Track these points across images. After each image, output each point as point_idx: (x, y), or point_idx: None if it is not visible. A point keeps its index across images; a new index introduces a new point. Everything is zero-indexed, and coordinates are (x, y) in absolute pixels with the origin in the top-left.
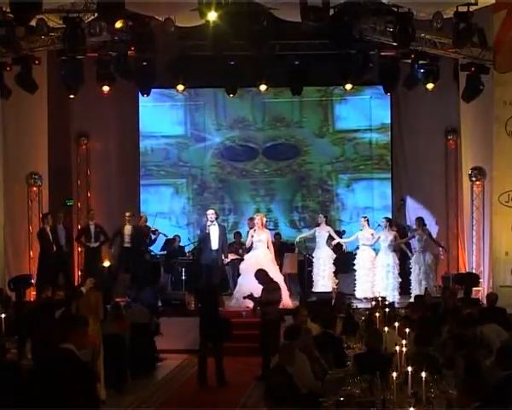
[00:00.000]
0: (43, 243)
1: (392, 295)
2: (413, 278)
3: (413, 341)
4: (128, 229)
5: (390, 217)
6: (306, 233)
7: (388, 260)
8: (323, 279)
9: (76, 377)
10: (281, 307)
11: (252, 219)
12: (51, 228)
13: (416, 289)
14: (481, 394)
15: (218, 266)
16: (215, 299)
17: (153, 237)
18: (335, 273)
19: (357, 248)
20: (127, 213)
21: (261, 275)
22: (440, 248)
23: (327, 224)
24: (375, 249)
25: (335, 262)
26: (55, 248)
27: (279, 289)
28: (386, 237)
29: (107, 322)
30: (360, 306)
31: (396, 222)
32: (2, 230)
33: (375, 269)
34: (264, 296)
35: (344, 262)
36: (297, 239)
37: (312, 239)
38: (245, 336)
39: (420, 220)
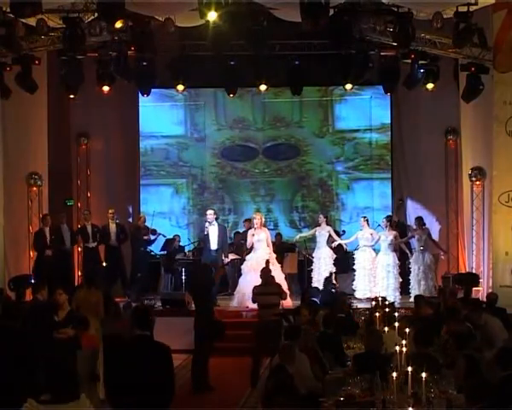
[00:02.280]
0: (38, 244)
1: (393, 296)
2: (412, 277)
3: (412, 340)
4: (113, 227)
5: (390, 216)
6: (306, 233)
7: (388, 260)
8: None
9: (157, 359)
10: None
11: (247, 220)
12: (51, 229)
13: (415, 289)
14: (483, 395)
15: (218, 266)
16: (206, 297)
17: (152, 237)
18: (335, 273)
19: (357, 248)
20: (110, 211)
21: (262, 273)
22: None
23: (327, 224)
24: (375, 249)
25: (335, 262)
26: (49, 251)
27: (274, 294)
28: (386, 236)
29: (107, 322)
30: (360, 306)
31: (396, 221)
32: (2, 230)
33: (375, 269)
34: (253, 298)
35: (344, 262)
36: (296, 237)
37: (312, 239)
38: (245, 336)
39: (419, 220)
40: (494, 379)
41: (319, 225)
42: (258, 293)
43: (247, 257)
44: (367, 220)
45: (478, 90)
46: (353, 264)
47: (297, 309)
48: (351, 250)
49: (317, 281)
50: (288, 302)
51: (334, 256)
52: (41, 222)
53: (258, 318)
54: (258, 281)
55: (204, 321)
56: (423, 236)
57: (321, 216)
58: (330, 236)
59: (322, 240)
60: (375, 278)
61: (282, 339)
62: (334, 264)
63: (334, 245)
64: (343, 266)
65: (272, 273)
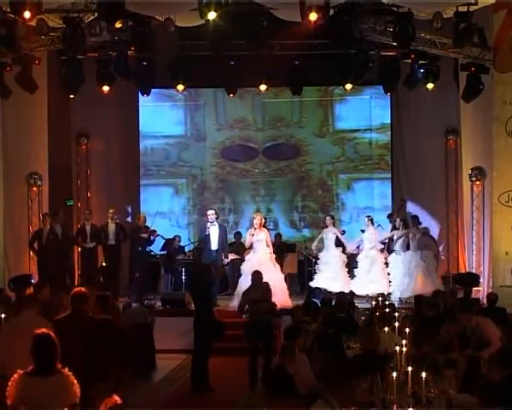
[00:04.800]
0: (38, 243)
1: (399, 295)
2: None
3: (410, 341)
4: (112, 227)
5: (409, 217)
6: (317, 238)
7: (406, 259)
8: (340, 277)
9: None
10: (280, 306)
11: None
12: (50, 228)
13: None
14: (484, 394)
15: (217, 266)
16: (205, 297)
17: (151, 238)
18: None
19: (359, 247)
20: (110, 211)
21: (253, 276)
22: (440, 248)
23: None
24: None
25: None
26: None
27: (266, 290)
28: (415, 235)
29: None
30: (360, 306)
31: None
32: (2, 230)
33: (378, 268)
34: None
35: (347, 262)
36: (313, 247)
37: (311, 239)
38: (244, 336)
39: (414, 219)
40: (496, 378)
41: (326, 226)
42: (246, 291)
43: (247, 257)
44: (371, 220)
45: (478, 90)
46: (356, 264)
47: (293, 309)
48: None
49: (328, 284)
50: (287, 302)
51: (344, 256)
52: (42, 222)
53: (247, 316)
54: None
55: (203, 321)
56: (417, 234)
57: (328, 218)
58: (337, 238)
59: (331, 242)
60: (379, 277)
61: (273, 338)
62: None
63: (348, 252)
64: (347, 265)
65: (271, 274)
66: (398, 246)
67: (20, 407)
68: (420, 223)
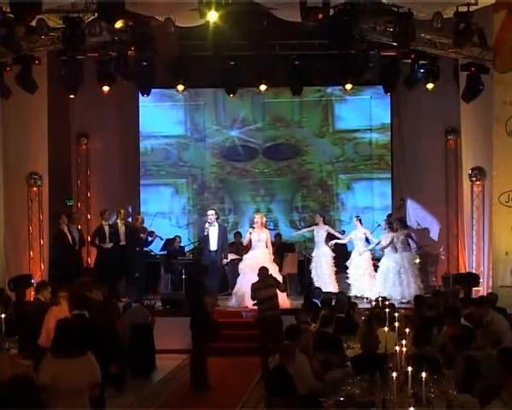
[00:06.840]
0: (62, 243)
1: (408, 295)
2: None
3: (412, 341)
4: (122, 228)
5: (402, 217)
6: (304, 229)
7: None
8: (328, 278)
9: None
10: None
11: None
12: (68, 228)
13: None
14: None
15: (217, 267)
16: (200, 297)
17: (149, 238)
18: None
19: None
20: (122, 211)
21: (261, 272)
22: (441, 249)
23: (324, 223)
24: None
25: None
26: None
27: (270, 286)
28: (398, 237)
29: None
30: (360, 306)
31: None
32: (3, 230)
33: (370, 268)
34: (252, 294)
35: (342, 262)
36: (294, 234)
37: (312, 239)
38: (244, 336)
39: (399, 221)
40: (497, 378)
41: (317, 224)
42: (256, 288)
43: (245, 257)
44: (360, 220)
45: (478, 90)
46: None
47: (298, 312)
48: (350, 250)
49: (317, 281)
50: (285, 303)
51: (334, 255)
52: (57, 222)
53: (258, 312)
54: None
55: (199, 321)
56: (400, 237)
57: (317, 216)
58: (329, 235)
59: (320, 240)
60: (373, 278)
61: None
62: (334, 263)
63: (330, 244)
64: (341, 266)
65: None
66: (388, 248)
67: (48, 384)
68: (406, 226)
